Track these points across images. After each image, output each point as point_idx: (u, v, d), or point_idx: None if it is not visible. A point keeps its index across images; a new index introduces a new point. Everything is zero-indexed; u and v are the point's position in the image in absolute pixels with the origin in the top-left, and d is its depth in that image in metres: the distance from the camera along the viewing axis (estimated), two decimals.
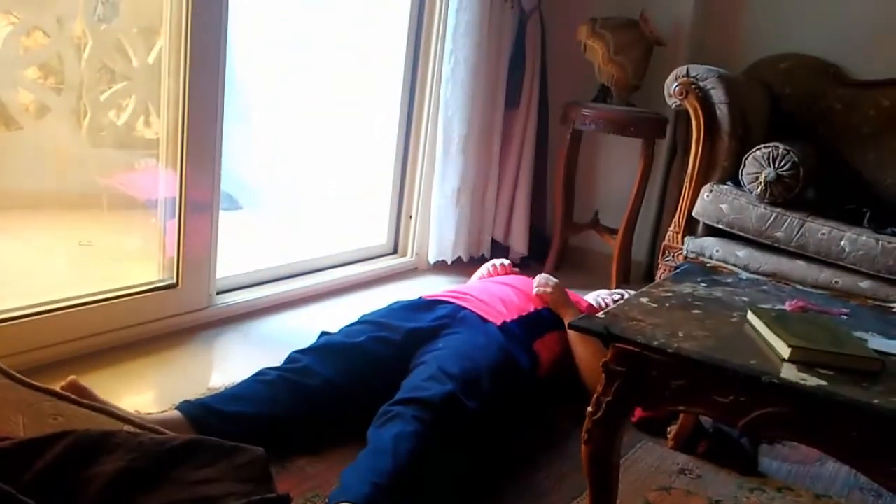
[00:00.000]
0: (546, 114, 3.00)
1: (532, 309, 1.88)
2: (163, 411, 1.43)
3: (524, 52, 2.85)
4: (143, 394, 1.68)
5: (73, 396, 0.98)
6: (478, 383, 1.53)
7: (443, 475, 1.41)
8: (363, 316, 1.79)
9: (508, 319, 1.80)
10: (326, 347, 1.61)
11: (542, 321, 1.86)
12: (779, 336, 1.14)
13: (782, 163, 2.19)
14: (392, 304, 1.86)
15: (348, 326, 1.74)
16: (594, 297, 2.19)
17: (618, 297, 2.19)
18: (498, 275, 2.18)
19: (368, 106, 3.02)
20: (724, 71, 2.42)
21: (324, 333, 1.73)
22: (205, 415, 1.39)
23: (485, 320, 1.78)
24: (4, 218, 1.99)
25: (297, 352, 1.60)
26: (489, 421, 1.58)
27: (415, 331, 1.70)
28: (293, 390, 1.48)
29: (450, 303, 1.85)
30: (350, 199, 3.18)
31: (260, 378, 1.51)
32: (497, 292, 1.92)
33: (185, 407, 1.40)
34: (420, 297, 1.92)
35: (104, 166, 2.45)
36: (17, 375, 1.02)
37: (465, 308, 1.83)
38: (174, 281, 1.99)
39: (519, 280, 2.04)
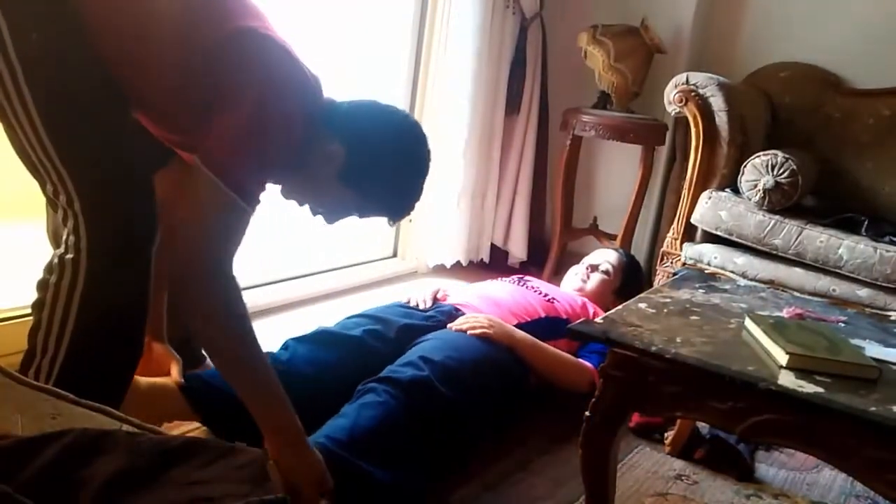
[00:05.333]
0: (546, 120, 3.01)
1: (530, 318, 1.88)
2: None
3: (525, 57, 2.86)
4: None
5: (71, 396, 0.98)
6: (458, 373, 1.53)
7: (427, 465, 1.40)
8: (361, 312, 1.80)
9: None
10: (321, 337, 1.62)
11: (541, 329, 1.86)
12: (776, 343, 1.14)
13: (781, 170, 2.20)
14: (390, 304, 1.87)
15: (345, 319, 1.75)
16: (570, 286, 2.17)
17: (584, 268, 2.17)
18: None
19: None
20: (723, 79, 2.43)
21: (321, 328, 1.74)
22: (193, 380, 1.42)
23: None
24: (4, 216, 1.99)
25: (292, 339, 1.62)
26: (478, 418, 1.58)
27: (408, 326, 1.72)
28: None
29: (447, 304, 1.86)
30: None
31: None
32: (497, 301, 1.92)
33: (192, 380, 1.42)
34: None
35: None
36: (16, 374, 1.02)
37: (460, 310, 1.84)
38: None
39: (519, 291, 2.02)
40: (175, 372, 1.43)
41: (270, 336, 2.08)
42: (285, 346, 1.60)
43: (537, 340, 1.79)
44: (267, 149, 1.18)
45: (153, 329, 1.46)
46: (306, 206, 1.36)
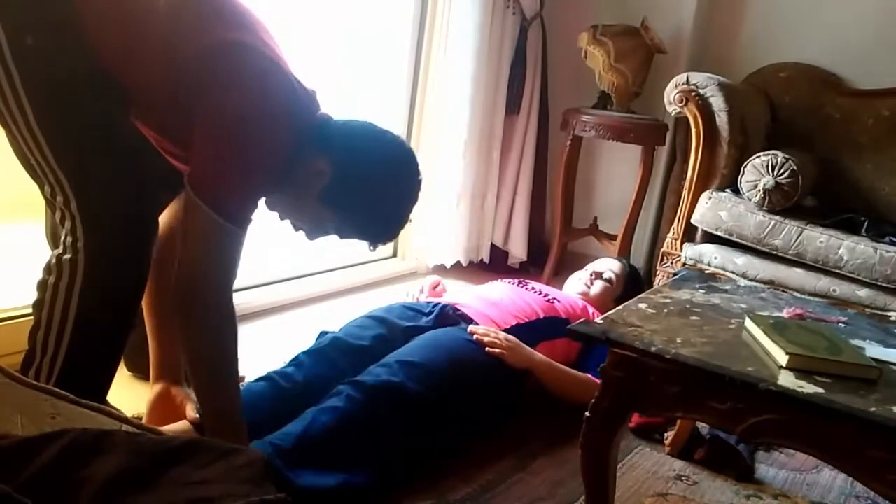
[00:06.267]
0: (546, 120, 3.01)
1: (528, 319, 1.88)
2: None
3: (525, 58, 2.86)
4: (142, 395, 1.67)
5: (71, 396, 0.98)
6: (438, 373, 1.53)
7: (384, 466, 1.40)
8: (367, 313, 1.80)
9: (505, 326, 1.81)
10: (331, 348, 1.62)
11: (540, 329, 1.86)
12: (776, 343, 1.14)
13: (781, 171, 2.20)
14: (393, 305, 1.88)
15: (351, 325, 1.75)
16: (573, 289, 2.17)
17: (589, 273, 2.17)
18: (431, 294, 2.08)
19: (370, 110, 3.03)
20: (723, 79, 2.43)
21: (323, 333, 1.73)
22: None
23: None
24: (4, 216, 1.99)
25: (303, 353, 1.61)
26: (464, 416, 1.58)
27: (413, 329, 1.72)
28: (285, 399, 1.47)
29: (448, 304, 1.86)
30: None
31: (257, 388, 1.50)
32: (496, 302, 1.91)
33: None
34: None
35: None
36: (16, 374, 1.02)
37: (460, 310, 1.84)
38: None
39: (517, 292, 2.01)
40: (190, 410, 1.40)
41: (271, 336, 2.10)
42: (298, 363, 1.57)
43: (554, 362, 1.79)
44: (252, 171, 1.18)
45: (171, 373, 1.46)
46: (287, 221, 1.35)
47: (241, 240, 1.19)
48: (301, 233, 1.35)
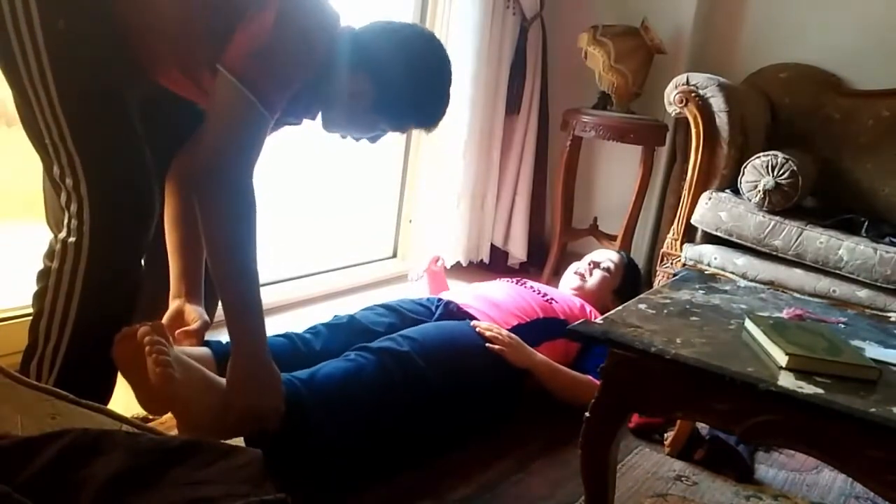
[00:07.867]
0: (546, 120, 3.01)
1: (528, 318, 1.88)
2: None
3: (525, 58, 2.86)
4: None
5: (71, 396, 0.97)
6: (436, 352, 1.55)
7: (382, 437, 1.43)
8: (381, 303, 1.83)
9: (506, 327, 1.81)
10: (349, 328, 1.65)
11: (538, 329, 1.86)
12: (776, 344, 1.14)
13: (781, 171, 2.20)
14: (403, 299, 1.89)
15: (367, 311, 1.76)
16: (568, 286, 2.17)
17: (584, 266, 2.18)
18: (434, 273, 2.18)
19: None
20: (723, 80, 2.43)
21: (336, 317, 1.74)
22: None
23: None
24: (3, 216, 1.99)
25: (322, 324, 1.64)
26: (462, 405, 1.59)
27: (418, 322, 1.73)
28: (299, 359, 1.49)
29: (453, 302, 1.88)
30: (350, 202, 3.19)
31: (275, 341, 1.51)
32: (496, 302, 1.92)
33: (216, 346, 1.40)
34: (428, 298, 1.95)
35: None
36: (16, 374, 1.02)
37: (465, 310, 1.85)
38: None
39: (517, 291, 2.01)
40: (195, 326, 1.39)
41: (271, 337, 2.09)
42: (316, 332, 1.60)
43: (554, 363, 1.79)
44: (287, 59, 1.22)
45: (191, 290, 1.44)
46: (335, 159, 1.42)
47: (266, 127, 1.22)
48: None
